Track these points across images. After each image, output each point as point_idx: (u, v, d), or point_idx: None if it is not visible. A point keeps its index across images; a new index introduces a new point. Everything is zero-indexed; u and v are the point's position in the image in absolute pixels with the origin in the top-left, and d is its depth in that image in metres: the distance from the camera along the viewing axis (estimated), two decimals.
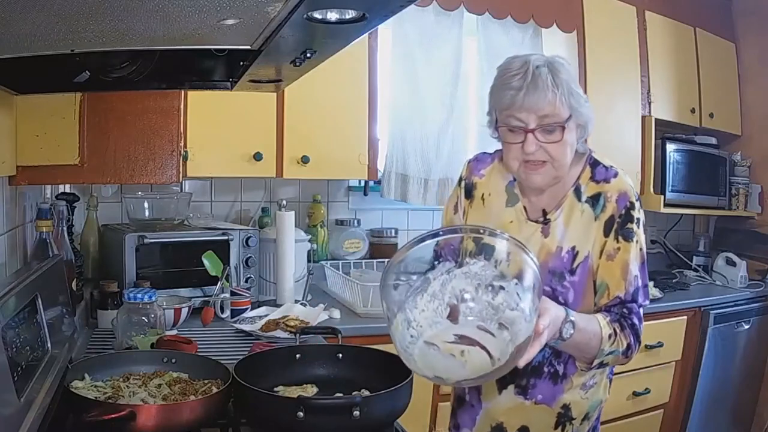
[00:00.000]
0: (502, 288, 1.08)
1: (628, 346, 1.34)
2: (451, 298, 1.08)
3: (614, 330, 1.33)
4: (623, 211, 1.37)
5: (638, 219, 1.38)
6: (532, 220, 1.45)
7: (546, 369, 1.44)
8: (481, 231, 1.19)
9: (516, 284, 1.09)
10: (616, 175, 1.41)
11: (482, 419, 1.51)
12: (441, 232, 1.25)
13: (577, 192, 1.42)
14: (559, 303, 1.30)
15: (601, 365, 1.37)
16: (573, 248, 1.40)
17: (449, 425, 1.62)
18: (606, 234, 1.38)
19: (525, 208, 1.47)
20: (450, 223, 1.62)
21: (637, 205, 1.38)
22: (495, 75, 1.40)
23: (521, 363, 1.09)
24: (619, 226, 1.37)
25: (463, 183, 1.59)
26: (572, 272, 1.39)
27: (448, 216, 1.63)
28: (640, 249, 1.38)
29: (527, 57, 1.37)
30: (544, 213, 1.44)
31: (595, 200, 1.40)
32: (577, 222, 1.41)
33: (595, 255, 1.39)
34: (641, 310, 1.38)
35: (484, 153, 1.58)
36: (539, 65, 1.33)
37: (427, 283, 1.12)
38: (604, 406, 1.51)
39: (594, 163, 1.43)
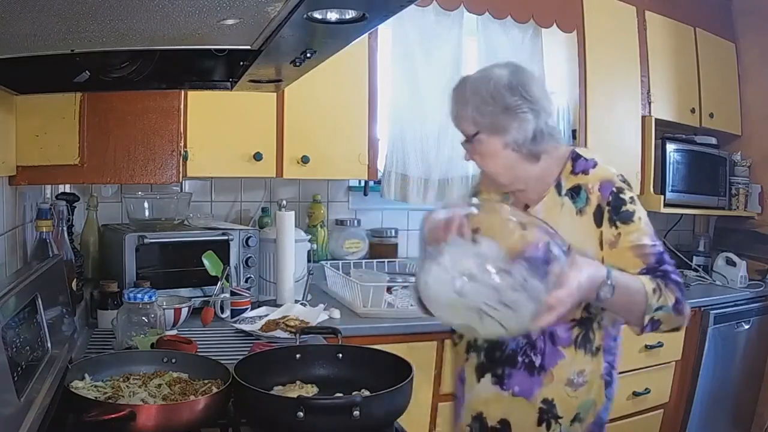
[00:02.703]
0: (506, 271, 1.13)
1: (677, 300, 1.33)
2: (455, 277, 1.15)
3: (657, 285, 1.32)
4: (610, 198, 1.39)
5: (632, 198, 1.40)
6: None
7: (520, 359, 1.44)
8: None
9: (523, 265, 1.14)
10: (595, 165, 1.44)
11: (465, 410, 1.53)
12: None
13: (558, 187, 1.46)
14: None
15: (656, 326, 1.35)
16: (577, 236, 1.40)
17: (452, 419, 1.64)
18: (599, 225, 1.39)
19: (513, 203, 1.52)
20: None
21: (625, 186, 1.41)
22: None
23: (533, 330, 1.26)
24: (612, 213, 1.38)
25: None
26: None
27: None
28: (645, 222, 1.39)
29: (460, 78, 1.47)
30: (526, 207, 1.48)
31: (575, 193, 1.43)
32: (557, 216, 1.42)
33: (595, 247, 1.39)
34: (677, 271, 1.37)
35: None
36: (457, 88, 1.45)
37: (439, 253, 1.20)
38: (602, 409, 1.46)
39: (575, 157, 1.47)
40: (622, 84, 3.13)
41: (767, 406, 3.24)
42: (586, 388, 1.43)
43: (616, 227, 1.38)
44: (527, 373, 1.44)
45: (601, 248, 1.39)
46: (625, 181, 1.43)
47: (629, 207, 1.38)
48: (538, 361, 1.43)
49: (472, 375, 1.51)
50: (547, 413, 1.44)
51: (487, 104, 1.39)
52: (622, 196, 1.39)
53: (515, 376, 1.45)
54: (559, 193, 1.45)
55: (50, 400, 1.10)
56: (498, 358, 1.46)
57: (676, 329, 1.41)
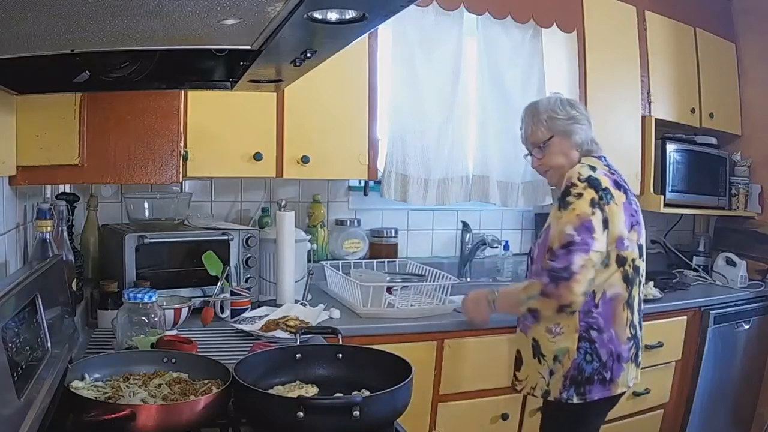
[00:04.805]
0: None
1: (543, 286, 1.80)
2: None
3: (530, 282, 1.88)
4: (563, 189, 1.86)
5: (579, 194, 1.81)
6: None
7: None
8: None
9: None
10: (572, 167, 1.91)
11: None
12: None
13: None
14: (531, 257, 2.04)
15: (534, 313, 1.88)
16: (547, 220, 1.93)
17: None
18: (557, 208, 1.87)
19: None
20: None
21: (579, 184, 1.83)
22: None
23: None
24: (560, 201, 1.85)
25: None
26: (539, 236, 2.01)
27: None
28: (578, 215, 1.79)
29: (526, 106, 2.10)
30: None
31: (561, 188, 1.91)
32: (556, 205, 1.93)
33: (555, 225, 1.85)
34: (574, 257, 1.76)
35: None
36: (528, 112, 2.06)
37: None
38: (582, 361, 1.84)
39: (578, 162, 1.95)
40: (622, 84, 3.13)
41: (767, 406, 3.25)
42: (562, 337, 1.87)
43: (560, 211, 1.83)
44: (524, 316, 1.98)
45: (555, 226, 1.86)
46: (588, 181, 1.83)
47: (571, 199, 1.82)
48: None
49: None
50: (536, 350, 1.94)
51: (558, 114, 1.98)
52: (571, 189, 1.83)
53: (521, 317, 2.01)
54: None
55: (50, 400, 1.10)
56: None
57: (562, 309, 1.81)
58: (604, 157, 2.01)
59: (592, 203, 1.80)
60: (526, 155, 2.09)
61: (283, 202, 2.52)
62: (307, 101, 2.50)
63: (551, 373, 1.90)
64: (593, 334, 1.85)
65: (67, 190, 2.22)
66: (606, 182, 1.85)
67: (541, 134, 1.99)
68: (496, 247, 3.16)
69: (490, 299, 2.04)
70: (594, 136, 2.01)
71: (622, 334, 1.88)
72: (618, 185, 1.89)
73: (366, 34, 1.16)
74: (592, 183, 1.83)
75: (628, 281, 1.89)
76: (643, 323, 2.00)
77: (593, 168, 1.88)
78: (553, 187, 2.12)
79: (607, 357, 1.85)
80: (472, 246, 3.09)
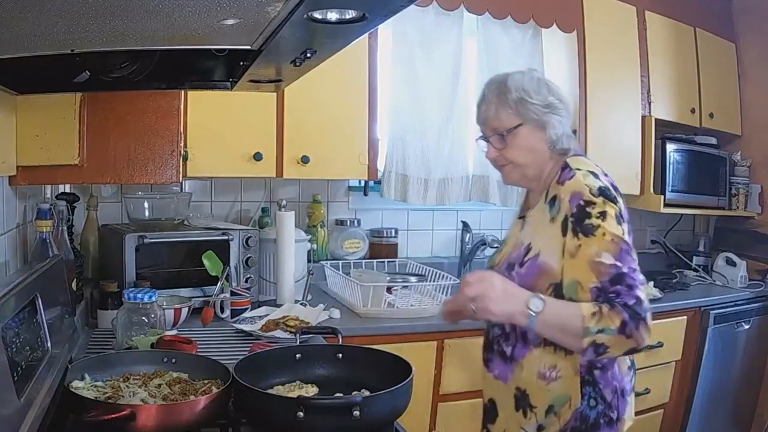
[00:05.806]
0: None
1: (623, 323, 1.33)
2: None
3: (599, 308, 1.34)
4: (575, 210, 1.42)
5: (602, 213, 1.40)
6: (519, 218, 1.65)
7: (495, 347, 1.59)
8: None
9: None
10: (572, 177, 1.47)
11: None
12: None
13: (546, 194, 1.53)
14: None
15: (600, 350, 1.35)
16: (529, 244, 1.52)
17: None
18: (564, 234, 1.43)
19: (522, 207, 1.67)
20: None
21: (597, 200, 1.42)
22: None
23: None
24: (574, 224, 1.42)
25: None
26: (521, 265, 1.51)
27: None
28: (611, 240, 1.38)
29: (491, 79, 1.60)
30: (525, 211, 1.63)
31: (553, 202, 1.49)
32: (538, 221, 1.53)
33: (558, 256, 1.44)
34: (638, 292, 1.36)
35: None
36: (492, 87, 1.56)
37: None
38: (585, 408, 1.46)
39: (564, 166, 1.52)
40: (622, 84, 3.13)
41: (767, 406, 3.25)
42: (560, 383, 1.48)
43: (578, 238, 1.41)
44: (501, 360, 1.57)
45: (563, 257, 1.43)
46: (603, 194, 1.43)
47: (594, 221, 1.40)
48: (509, 351, 1.55)
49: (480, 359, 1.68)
50: (522, 400, 1.53)
51: (532, 97, 1.50)
52: (588, 209, 1.41)
53: (494, 361, 1.59)
54: (545, 200, 1.52)
55: (50, 400, 1.10)
56: (484, 343, 1.65)
57: (632, 351, 1.39)
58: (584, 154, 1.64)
59: (617, 219, 1.42)
60: (479, 138, 1.62)
61: (283, 202, 2.52)
62: (307, 101, 2.50)
63: (540, 428, 1.51)
64: (597, 374, 1.48)
65: (67, 190, 2.22)
66: (611, 189, 1.49)
67: (506, 119, 1.52)
68: (496, 247, 3.15)
69: (532, 308, 1.37)
70: (569, 130, 1.58)
71: (623, 365, 1.53)
72: (616, 189, 1.53)
73: (366, 34, 1.16)
74: (606, 194, 1.44)
75: None
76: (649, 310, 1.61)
77: (595, 175, 1.49)
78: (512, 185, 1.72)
79: (612, 396, 1.49)
80: (472, 246, 3.09)
